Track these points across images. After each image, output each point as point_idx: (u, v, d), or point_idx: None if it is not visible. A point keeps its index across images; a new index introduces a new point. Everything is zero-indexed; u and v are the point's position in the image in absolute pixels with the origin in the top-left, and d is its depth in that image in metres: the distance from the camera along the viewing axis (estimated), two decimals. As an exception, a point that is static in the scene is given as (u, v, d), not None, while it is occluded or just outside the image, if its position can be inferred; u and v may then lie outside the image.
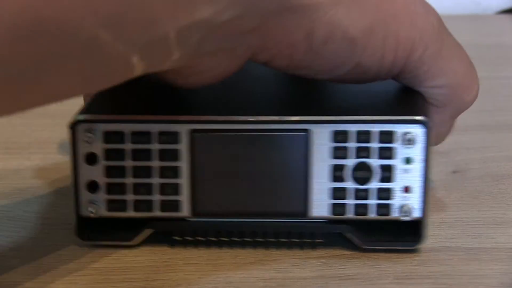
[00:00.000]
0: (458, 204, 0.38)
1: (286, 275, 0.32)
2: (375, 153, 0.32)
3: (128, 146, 0.32)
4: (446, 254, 0.33)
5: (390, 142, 0.32)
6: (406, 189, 0.32)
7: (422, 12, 0.32)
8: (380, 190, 0.32)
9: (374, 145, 0.32)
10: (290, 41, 0.31)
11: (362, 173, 0.32)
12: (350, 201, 0.32)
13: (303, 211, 0.33)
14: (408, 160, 0.32)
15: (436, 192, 0.39)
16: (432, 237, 0.35)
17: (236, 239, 0.33)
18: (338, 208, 0.33)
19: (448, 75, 0.34)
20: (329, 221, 0.33)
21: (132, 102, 0.33)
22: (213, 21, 0.28)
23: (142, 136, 0.32)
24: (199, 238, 0.34)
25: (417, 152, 0.32)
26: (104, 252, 0.33)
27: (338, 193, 0.32)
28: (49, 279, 0.32)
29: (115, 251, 0.33)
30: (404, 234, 0.33)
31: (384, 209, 0.32)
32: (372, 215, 0.33)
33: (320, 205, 0.32)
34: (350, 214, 0.33)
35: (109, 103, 0.33)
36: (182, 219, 0.33)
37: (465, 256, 0.33)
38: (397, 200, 0.32)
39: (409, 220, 0.33)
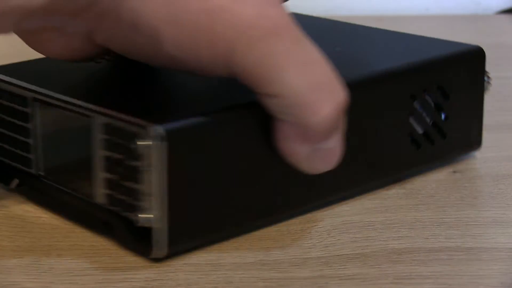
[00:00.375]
0: (458, 204, 0.38)
1: (286, 275, 0.32)
2: (123, 152, 0.32)
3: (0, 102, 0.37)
4: (446, 254, 0.33)
5: (129, 144, 0.31)
6: (143, 195, 0.31)
7: (250, 14, 0.31)
8: (125, 190, 0.32)
9: (126, 143, 0.32)
10: (107, 28, 0.32)
11: (117, 168, 0.32)
12: (114, 194, 0.33)
13: (90, 195, 0.34)
14: (147, 165, 0.31)
15: (436, 192, 0.39)
16: (432, 237, 0.35)
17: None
18: (107, 198, 0.33)
19: (279, 86, 0.31)
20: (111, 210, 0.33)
21: (22, 68, 0.38)
22: (28, 5, 0.29)
23: (3, 94, 0.36)
24: (44, 197, 0.36)
25: (154, 159, 0.31)
26: (104, 252, 0.33)
27: (107, 183, 0.33)
28: (49, 279, 0.32)
29: (115, 251, 0.33)
30: (147, 241, 0.32)
31: (127, 210, 0.32)
32: (123, 213, 0.32)
33: (101, 192, 0.33)
34: (113, 207, 0.33)
35: (11, 65, 0.39)
36: (34, 176, 0.36)
37: (465, 256, 0.33)
38: (137, 204, 0.32)
39: (148, 227, 0.32)
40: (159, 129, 0.31)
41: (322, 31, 0.44)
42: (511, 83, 0.57)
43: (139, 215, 0.31)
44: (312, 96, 0.31)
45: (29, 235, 0.35)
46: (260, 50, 0.31)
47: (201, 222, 0.33)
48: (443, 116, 0.40)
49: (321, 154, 0.33)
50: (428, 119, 0.39)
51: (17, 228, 0.35)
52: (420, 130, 0.39)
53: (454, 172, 0.41)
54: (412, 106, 0.39)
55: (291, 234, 0.35)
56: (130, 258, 0.33)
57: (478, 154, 0.43)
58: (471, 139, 0.42)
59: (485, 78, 0.42)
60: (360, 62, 0.39)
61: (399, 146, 0.39)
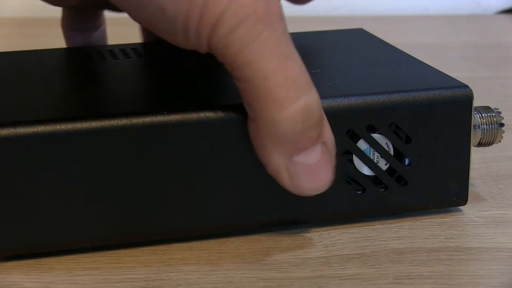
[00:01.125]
0: (458, 204, 0.38)
1: (286, 275, 0.32)
2: None
3: None
4: (446, 254, 0.33)
5: None
6: None
7: None
8: None
9: None
10: None
11: None
12: None
13: None
14: None
15: (436, 192, 0.39)
16: (432, 237, 0.35)
17: None
18: None
19: (251, 70, 0.29)
20: None
21: None
22: None
23: None
24: None
25: None
26: (104, 252, 0.33)
27: None
28: (49, 279, 0.32)
29: (115, 251, 0.33)
30: None
31: None
32: None
33: None
34: None
35: None
36: None
37: (465, 256, 0.33)
38: None
39: None
40: None
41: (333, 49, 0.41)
42: (511, 83, 0.57)
43: None
44: (283, 90, 0.29)
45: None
46: (248, 28, 0.28)
47: (16, 231, 0.32)
48: (407, 161, 0.35)
49: (302, 170, 0.30)
50: (384, 162, 0.35)
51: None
52: (368, 172, 0.35)
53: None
54: (351, 144, 0.34)
55: (291, 234, 0.35)
56: (130, 258, 0.33)
57: (478, 154, 0.43)
58: (451, 193, 0.36)
59: (492, 114, 0.37)
60: None
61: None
